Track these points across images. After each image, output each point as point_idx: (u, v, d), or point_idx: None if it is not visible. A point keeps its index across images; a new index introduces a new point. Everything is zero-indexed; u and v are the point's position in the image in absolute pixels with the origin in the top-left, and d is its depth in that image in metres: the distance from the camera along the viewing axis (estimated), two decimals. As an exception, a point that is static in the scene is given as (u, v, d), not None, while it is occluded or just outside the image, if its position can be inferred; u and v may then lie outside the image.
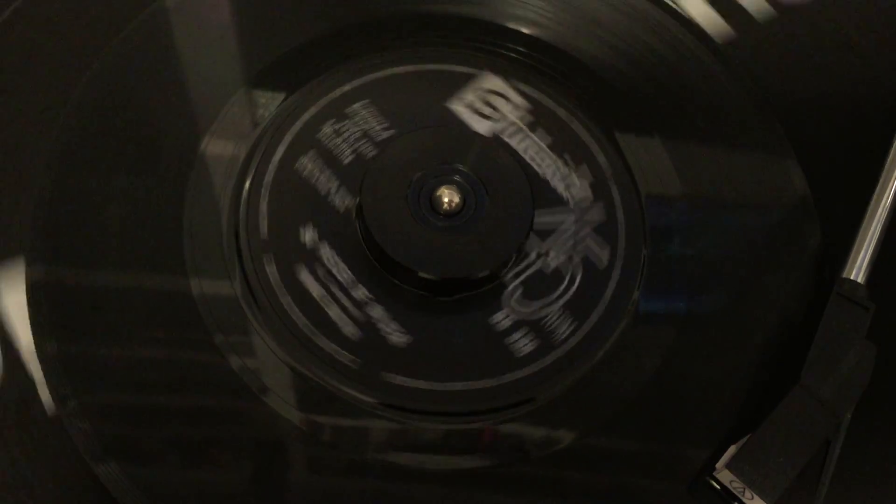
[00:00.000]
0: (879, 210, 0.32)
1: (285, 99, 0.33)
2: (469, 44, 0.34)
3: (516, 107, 0.33)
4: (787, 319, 0.31)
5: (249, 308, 0.29)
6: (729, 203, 0.33)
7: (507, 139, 0.33)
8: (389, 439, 0.29)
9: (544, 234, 0.31)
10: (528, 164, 0.32)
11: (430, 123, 0.32)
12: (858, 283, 0.30)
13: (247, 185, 0.31)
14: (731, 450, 0.28)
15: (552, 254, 0.31)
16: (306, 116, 0.32)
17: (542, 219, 0.31)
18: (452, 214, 0.30)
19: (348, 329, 0.29)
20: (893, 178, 0.33)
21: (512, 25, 0.35)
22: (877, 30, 0.38)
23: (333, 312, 0.29)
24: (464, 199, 0.30)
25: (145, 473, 0.27)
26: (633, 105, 0.34)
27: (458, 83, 0.33)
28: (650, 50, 0.36)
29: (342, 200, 0.31)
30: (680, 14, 0.37)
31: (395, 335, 0.29)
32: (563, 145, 0.33)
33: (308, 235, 0.31)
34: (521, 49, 0.35)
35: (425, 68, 0.33)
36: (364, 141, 0.32)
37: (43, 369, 0.28)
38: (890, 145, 0.34)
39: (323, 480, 0.28)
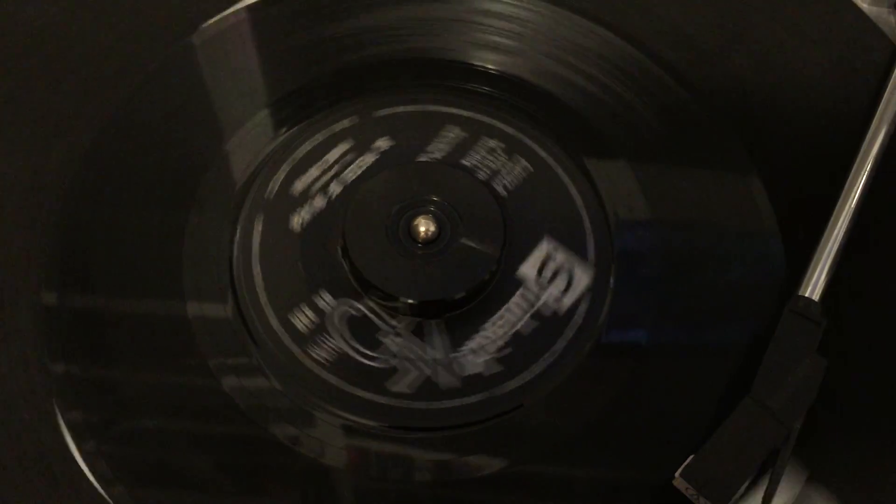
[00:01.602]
0: (836, 229, 0.34)
1: (277, 139, 0.36)
2: (438, 83, 0.37)
3: (488, 139, 0.36)
4: (750, 339, 0.32)
5: (241, 331, 0.32)
6: (694, 224, 0.35)
7: (478, 169, 0.35)
8: (380, 460, 0.30)
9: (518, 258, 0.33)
10: (500, 193, 0.34)
11: (409, 160, 0.35)
12: (812, 300, 0.32)
13: (242, 216, 0.34)
14: (690, 459, 0.29)
15: (523, 279, 0.33)
16: (296, 156, 0.35)
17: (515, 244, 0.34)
18: (429, 242, 0.33)
19: (337, 353, 0.32)
20: (850, 198, 0.34)
21: (479, 63, 0.38)
22: (838, 48, 0.39)
23: (323, 339, 0.32)
24: (439, 228, 0.33)
25: (149, 495, 0.29)
26: (599, 132, 0.36)
27: (433, 123, 0.36)
28: (613, 77, 0.37)
29: (327, 232, 0.34)
30: (641, 43, 0.38)
31: (378, 357, 0.32)
32: (564, 235, 0.34)
33: (302, 213, 0.33)
34: (488, 86, 0.37)
35: (396, 111, 0.36)
36: (348, 175, 0.35)
37: (53, 390, 0.31)
38: (850, 166, 0.35)
39: (312, 499, 0.30)
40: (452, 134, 0.36)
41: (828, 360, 0.30)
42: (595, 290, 0.33)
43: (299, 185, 0.34)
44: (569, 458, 0.30)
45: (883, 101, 0.37)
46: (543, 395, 0.31)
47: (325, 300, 0.32)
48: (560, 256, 0.34)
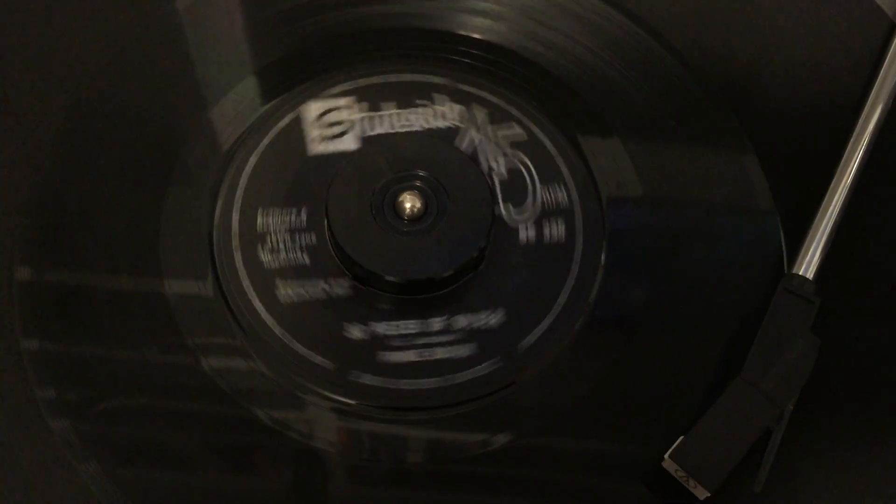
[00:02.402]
0: (831, 207, 0.33)
1: (260, 110, 0.35)
2: (423, 53, 0.36)
3: (477, 111, 0.35)
4: (745, 317, 0.32)
5: (223, 310, 0.31)
6: (688, 202, 0.34)
7: (467, 144, 0.34)
8: (362, 439, 0.30)
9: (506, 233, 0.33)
10: (489, 167, 0.34)
11: (393, 134, 0.34)
12: (807, 279, 0.31)
13: (222, 192, 0.33)
14: (679, 440, 0.29)
15: (511, 254, 0.33)
16: (277, 128, 0.34)
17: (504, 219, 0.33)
18: (415, 219, 0.32)
19: (319, 332, 0.31)
20: (846, 176, 0.34)
21: (465, 32, 0.37)
22: (835, 24, 0.38)
23: (305, 316, 0.31)
24: (425, 204, 0.32)
25: (122, 473, 0.29)
26: (592, 106, 0.36)
27: (418, 93, 0.35)
28: (607, 50, 0.37)
29: (309, 208, 0.33)
30: (636, 14, 0.38)
31: (363, 336, 0.31)
32: (524, 148, 0.34)
33: (281, 240, 0.32)
34: (476, 54, 0.36)
35: (385, 80, 0.35)
36: (332, 150, 0.34)
37: (27, 367, 0.30)
38: (845, 143, 0.35)
39: (299, 479, 0.29)
40: (439, 105, 0.35)
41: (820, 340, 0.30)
42: (586, 267, 0.32)
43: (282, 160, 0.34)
44: (560, 436, 0.30)
45: (879, 77, 0.36)
46: (534, 372, 0.31)
47: (310, 279, 0.32)
48: (550, 231, 0.33)
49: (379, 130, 0.34)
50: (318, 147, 0.34)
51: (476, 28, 0.37)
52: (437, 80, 0.35)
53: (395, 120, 0.35)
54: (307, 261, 0.32)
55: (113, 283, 0.32)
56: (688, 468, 0.28)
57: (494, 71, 0.36)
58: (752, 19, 0.38)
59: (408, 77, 0.35)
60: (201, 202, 0.33)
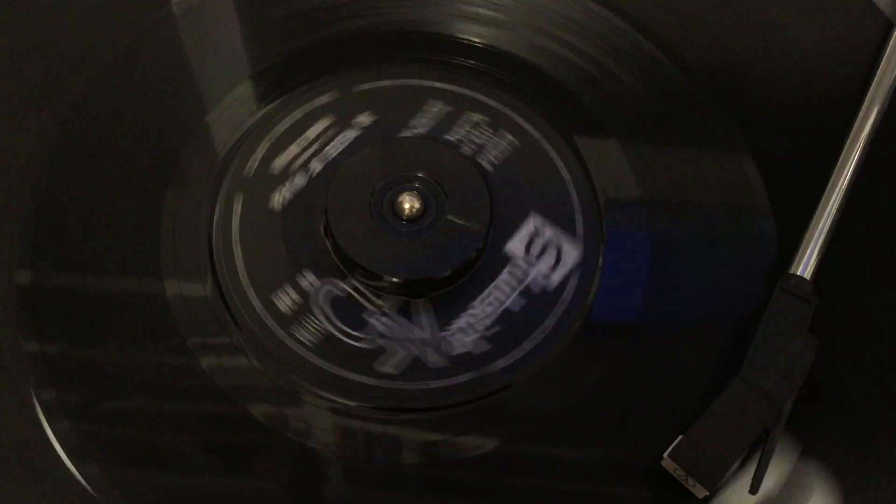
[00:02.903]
0: (828, 208, 0.33)
1: (259, 112, 0.35)
2: (421, 57, 0.36)
3: (475, 114, 0.35)
4: (743, 319, 0.32)
5: (222, 312, 0.31)
6: (685, 203, 0.34)
7: (464, 145, 0.34)
8: (359, 439, 0.30)
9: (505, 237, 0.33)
10: (486, 168, 0.34)
11: (392, 136, 0.34)
12: (804, 279, 0.32)
13: (221, 194, 0.33)
14: (679, 439, 0.29)
15: (511, 256, 0.33)
16: (276, 131, 0.34)
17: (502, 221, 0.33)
18: (414, 220, 0.32)
19: (318, 332, 0.31)
20: (843, 177, 0.34)
21: (463, 36, 0.37)
22: (832, 24, 0.38)
23: (307, 319, 0.31)
24: (424, 205, 0.32)
25: (122, 473, 0.29)
26: (589, 109, 0.36)
27: (415, 97, 0.35)
28: (604, 53, 0.37)
29: (309, 208, 0.33)
30: (633, 17, 0.38)
31: (364, 338, 0.31)
32: (552, 211, 0.34)
33: (284, 191, 0.33)
34: (474, 58, 0.36)
35: (382, 84, 0.35)
36: (330, 152, 0.34)
37: (27, 369, 0.30)
38: (842, 143, 0.35)
39: (297, 480, 0.29)
40: (436, 108, 0.35)
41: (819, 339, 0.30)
42: (584, 269, 0.32)
43: (279, 163, 0.34)
44: (558, 438, 0.30)
45: (876, 78, 0.36)
46: (532, 374, 0.31)
47: (309, 280, 0.32)
48: (548, 232, 0.33)
49: (377, 134, 0.34)
50: (317, 149, 0.34)
51: (474, 32, 0.37)
52: (434, 83, 0.35)
53: (393, 123, 0.35)
54: (298, 218, 0.32)
55: (113, 284, 0.32)
56: (687, 467, 0.28)
57: (492, 74, 0.36)
58: (748, 21, 0.38)
59: (405, 81, 0.35)
60: (200, 204, 0.33)
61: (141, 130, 0.34)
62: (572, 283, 0.32)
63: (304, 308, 0.31)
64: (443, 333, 0.31)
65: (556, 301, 0.32)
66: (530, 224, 0.33)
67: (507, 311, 0.32)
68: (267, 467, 0.29)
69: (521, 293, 0.32)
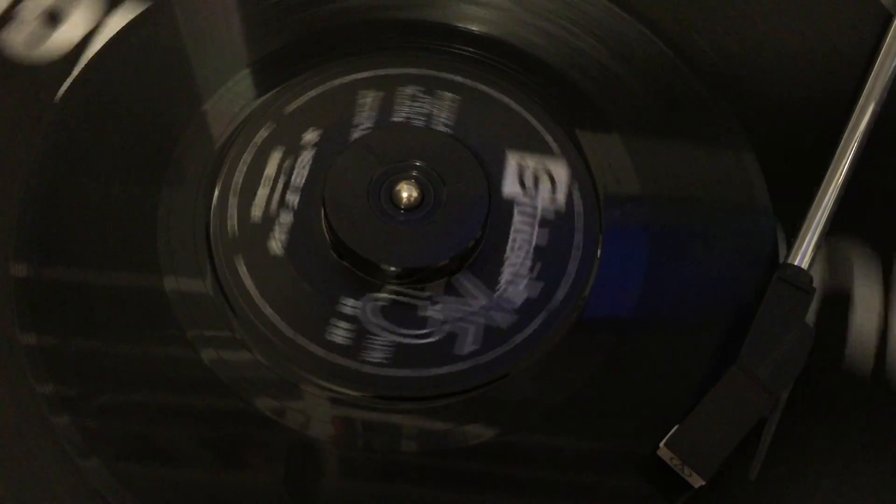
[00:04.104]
0: (826, 197, 0.33)
1: (255, 103, 0.35)
2: (421, 45, 0.36)
3: (475, 104, 0.35)
4: (741, 313, 0.31)
5: (221, 303, 0.31)
6: (685, 197, 0.34)
7: (465, 137, 0.34)
8: (359, 429, 0.30)
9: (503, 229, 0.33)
10: (486, 160, 0.34)
11: (390, 124, 0.34)
12: (801, 269, 0.32)
13: (219, 185, 0.33)
14: (675, 429, 0.29)
15: (507, 248, 0.33)
16: (272, 121, 0.34)
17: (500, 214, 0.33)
18: (412, 209, 0.32)
19: (317, 322, 0.31)
20: (840, 168, 0.34)
21: (464, 25, 0.37)
22: (833, 19, 0.38)
23: (303, 307, 0.31)
24: (422, 194, 0.32)
25: (123, 467, 0.29)
26: (591, 101, 0.36)
27: (414, 85, 0.35)
28: (606, 45, 0.37)
29: (309, 237, 0.32)
30: (635, 9, 0.38)
31: (362, 328, 0.31)
32: (523, 142, 0.34)
33: (277, 234, 0.32)
34: (475, 47, 0.36)
35: (381, 73, 0.35)
36: (297, 181, 0.33)
37: (25, 363, 0.30)
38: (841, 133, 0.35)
39: (298, 471, 0.29)
40: (370, 98, 0.35)
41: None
42: (582, 262, 0.32)
43: (256, 212, 0.33)
44: (554, 428, 0.30)
45: (874, 70, 0.36)
46: (528, 365, 0.31)
47: (350, 305, 0.31)
48: (531, 162, 0.34)
49: (375, 122, 0.34)
50: (313, 139, 0.34)
51: (475, 21, 0.37)
52: (434, 72, 0.35)
53: (392, 111, 0.35)
54: (305, 252, 0.32)
55: (110, 277, 0.32)
56: (683, 456, 0.28)
57: (493, 64, 0.36)
58: (749, 14, 0.38)
59: (404, 70, 0.35)
60: (198, 195, 0.33)
61: (137, 121, 0.34)
62: (570, 274, 0.32)
63: (362, 332, 0.31)
64: (496, 293, 0.32)
65: (554, 293, 0.32)
66: (512, 162, 0.33)
67: (538, 248, 0.32)
68: (268, 457, 0.29)
69: (540, 225, 0.33)
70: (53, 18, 0.36)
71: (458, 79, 0.35)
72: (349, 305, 0.31)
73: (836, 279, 0.33)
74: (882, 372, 0.31)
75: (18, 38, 0.36)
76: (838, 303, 0.32)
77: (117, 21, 0.36)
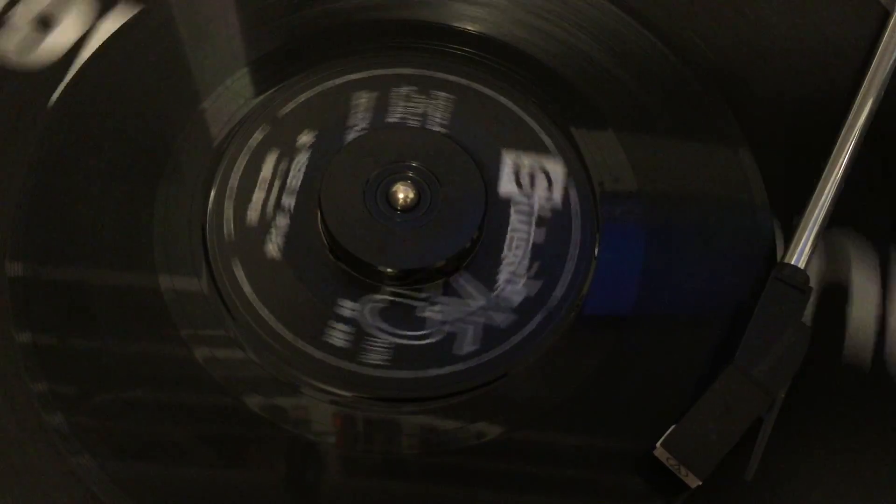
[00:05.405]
0: (823, 197, 0.33)
1: (249, 105, 0.35)
2: (417, 45, 0.36)
3: (470, 103, 0.35)
4: (738, 312, 0.32)
5: (216, 303, 0.31)
6: (682, 195, 0.34)
7: (461, 137, 0.34)
8: (356, 430, 0.30)
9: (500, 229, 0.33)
10: (482, 160, 0.34)
11: (386, 125, 0.34)
12: (798, 268, 0.32)
13: (214, 187, 0.33)
14: (671, 429, 0.29)
15: (504, 248, 0.33)
16: (270, 121, 0.34)
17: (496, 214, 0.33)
18: (409, 209, 0.32)
19: (313, 323, 0.31)
20: (837, 167, 0.34)
21: (460, 24, 0.37)
22: (829, 16, 0.38)
23: (299, 307, 0.31)
24: (419, 194, 0.32)
25: (116, 465, 0.29)
26: (587, 99, 0.36)
27: (411, 85, 0.35)
28: (601, 42, 0.37)
29: (306, 239, 0.32)
30: (631, 6, 0.37)
31: (359, 328, 0.31)
32: (518, 141, 0.34)
33: (274, 237, 0.32)
34: (470, 46, 0.36)
35: (377, 73, 0.35)
36: (293, 183, 0.33)
37: (20, 361, 0.30)
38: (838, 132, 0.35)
39: (294, 471, 0.29)
40: (364, 99, 0.34)
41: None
42: (579, 261, 0.32)
43: (253, 215, 0.33)
44: (551, 428, 0.30)
45: (871, 67, 0.36)
46: (527, 365, 0.31)
47: (348, 307, 0.31)
48: (527, 161, 0.34)
49: (370, 123, 0.34)
50: (308, 141, 0.34)
51: (469, 20, 0.37)
52: (428, 72, 0.35)
53: (387, 112, 0.34)
54: (301, 252, 0.32)
55: (106, 276, 0.32)
56: (679, 456, 0.28)
57: (488, 63, 0.36)
58: (746, 12, 0.38)
59: (399, 70, 0.35)
60: (194, 194, 0.33)
61: (134, 120, 0.34)
62: (568, 273, 0.32)
63: (360, 334, 0.31)
64: (494, 293, 0.31)
65: (552, 291, 0.32)
66: (508, 161, 0.33)
67: (535, 246, 0.32)
68: (263, 457, 0.29)
69: (537, 224, 0.33)
70: (45, 24, 0.36)
71: (453, 78, 0.35)
72: (347, 308, 0.31)
73: (833, 273, 0.33)
74: (880, 366, 0.31)
75: (10, 45, 0.36)
76: (836, 297, 0.32)
77: (109, 25, 0.36)
